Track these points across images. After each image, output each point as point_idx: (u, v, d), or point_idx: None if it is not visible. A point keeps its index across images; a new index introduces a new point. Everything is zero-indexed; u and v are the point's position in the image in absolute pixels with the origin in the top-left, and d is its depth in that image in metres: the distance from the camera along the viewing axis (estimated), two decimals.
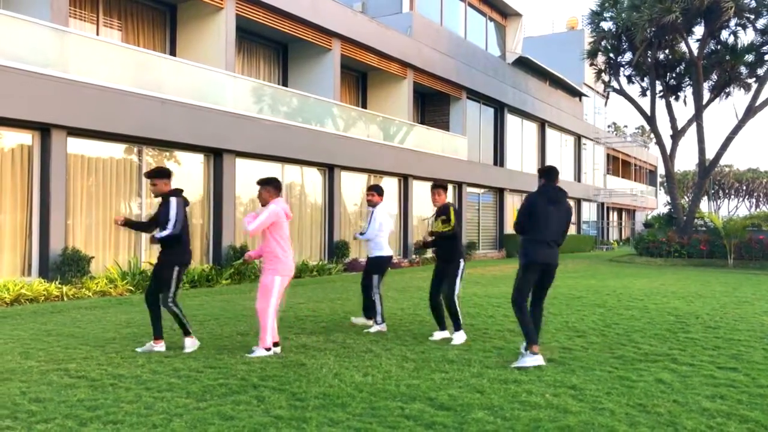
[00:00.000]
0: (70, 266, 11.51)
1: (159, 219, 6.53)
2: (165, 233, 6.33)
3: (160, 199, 6.73)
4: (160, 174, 6.69)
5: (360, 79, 23.19)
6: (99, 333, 7.51)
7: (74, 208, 12.32)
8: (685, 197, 63.91)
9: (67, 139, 11.91)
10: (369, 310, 8.02)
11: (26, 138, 11.58)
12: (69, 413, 4.31)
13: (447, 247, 7.19)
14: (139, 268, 12.72)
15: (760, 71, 24.68)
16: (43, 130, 11.62)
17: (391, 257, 8.21)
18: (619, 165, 48.08)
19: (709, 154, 25.12)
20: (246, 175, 15.99)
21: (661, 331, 7.79)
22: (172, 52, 16.10)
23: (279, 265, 6.32)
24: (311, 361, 5.92)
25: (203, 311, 9.40)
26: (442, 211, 7.21)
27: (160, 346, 6.43)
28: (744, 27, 23.70)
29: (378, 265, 8.03)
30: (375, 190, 8.38)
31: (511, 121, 29.94)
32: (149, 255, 13.64)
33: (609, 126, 60.34)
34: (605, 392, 4.90)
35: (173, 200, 6.52)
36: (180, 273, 6.55)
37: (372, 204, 8.33)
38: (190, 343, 6.50)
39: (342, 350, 6.50)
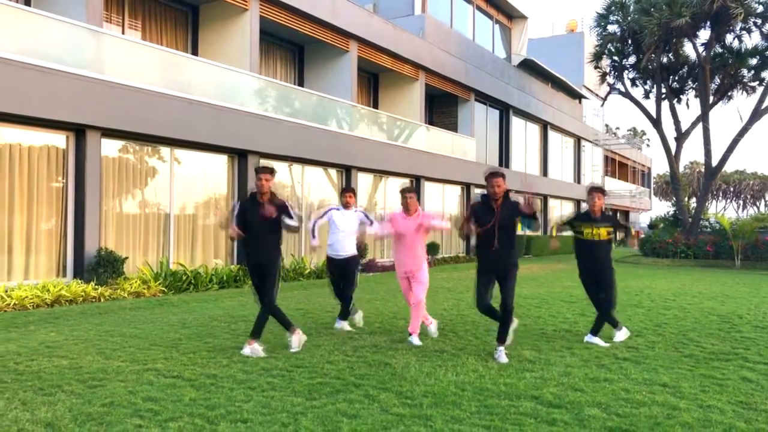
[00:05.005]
0: (105, 267, 11.51)
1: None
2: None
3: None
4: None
5: (371, 81, 23.29)
6: (161, 333, 7.54)
7: (106, 208, 12.30)
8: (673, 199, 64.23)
9: (101, 140, 11.91)
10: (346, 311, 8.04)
11: (61, 139, 11.57)
12: (192, 412, 4.38)
13: (609, 258, 7.20)
14: (169, 269, 12.71)
15: (765, 75, 25.08)
16: (78, 131, 11.62)
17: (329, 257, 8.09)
18: (615, 166, 48.55)
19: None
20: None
21: (714, 331, 7.97)
22: (194, 53, 16.11)
23: None
24: (394, 361, 6.01)
25: (250, 311, 9.44)
26: (611, 219, 7.23)
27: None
28: (749, 31, 24.08)
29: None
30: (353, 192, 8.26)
31: (516, 122, 30.18)
32: (178, 256, 13.67)
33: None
34: (700, 390, 5.05)
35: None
36: (251, 273, 6.59)
37: (350, 207, 8.04)
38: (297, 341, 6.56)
39: (415, 350, 6.60)
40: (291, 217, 6.44)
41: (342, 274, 7.97)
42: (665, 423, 4.19)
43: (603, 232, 7.05)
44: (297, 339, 6.55)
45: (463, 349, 6.61)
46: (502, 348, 6.21)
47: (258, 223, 6.35)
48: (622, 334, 7.26)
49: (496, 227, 6.16)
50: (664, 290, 13.18)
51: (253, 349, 6.30)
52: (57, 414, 4.28)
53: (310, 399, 4.73)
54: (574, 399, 4.75)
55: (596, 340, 7.12)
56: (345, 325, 7.93)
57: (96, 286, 11.02)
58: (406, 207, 7.24)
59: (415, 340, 6.98)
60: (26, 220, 11.08)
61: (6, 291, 9.86)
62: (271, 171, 6.41)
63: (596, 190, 7.14)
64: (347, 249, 7.91)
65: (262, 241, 6.42)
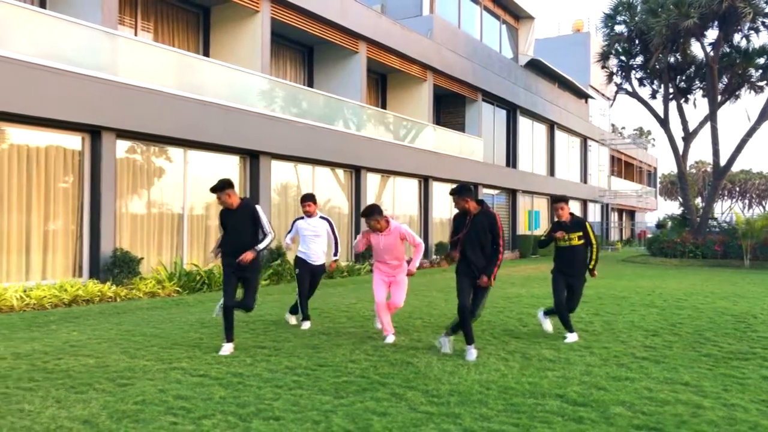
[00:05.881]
0: (121, 268, 11.61)
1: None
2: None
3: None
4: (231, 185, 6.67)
5: (379, 81, 23.37)
6: (181, 333, 7.63)
7: (121, 209, 12.40)
8: (679, 198, 64.22)
9: (116, 141, 12.01)
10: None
11: (77, 140, 11.67)
12: (223, 410, 4.45)
13: (584, 262, 7.47)
14: (183, 269, 12.80)
15: None
16: (94, 132, 11.72)
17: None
18: (621, 166, 48.53)
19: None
20: (278, 177, 16.17)
21: (730, 330, 8.02)
22: (206, 55, 16.20)
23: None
24: (415, 360, 6.09)
25: (266, 311, 9.53)
26: (580, 226, 7.47)
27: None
28: (757, 31, 24.07)
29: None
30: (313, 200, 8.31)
31: (523, 122, 30.23)
32: (191, 256, 13.77)
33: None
34: (722, 389, 5.11)
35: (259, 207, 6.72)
36: (225, 269, 6.65)
37: (312, 215, 8.21)
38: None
39: (435, 349, 6.67)
40: (263, 233, 6.60)
41: (311, 278, 8.24)
42: (691, 421, 4.25)
43: (574, 238, 7.39)
44: (229, 348, 6.48)
45: (483, 349, 6.67)
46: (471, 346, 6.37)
47: (234, 226, 6.55)
48: (573, 337, 7.30)
49: (465, 238, 6.39)
50: (675, 290, 13.22)
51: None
52: (92, 411, 4.36)
53: (337, 397, 4.80)
54: (599, 397, 4.81)
55: (544, 319, 7.79)
56: (292, 318, 8.39)
57: (112, 286, 11.11)
58: (374, 229, 7.15)
59: (391, 338, 7.17)
60: (43, 221, 11.18)
61: (25, 291, 9.96)
62: (222, 188, 6.51)
63: (559, 201, 7.50)
64: (319, 256, 8.20)
65: (240, 243, 6.51)
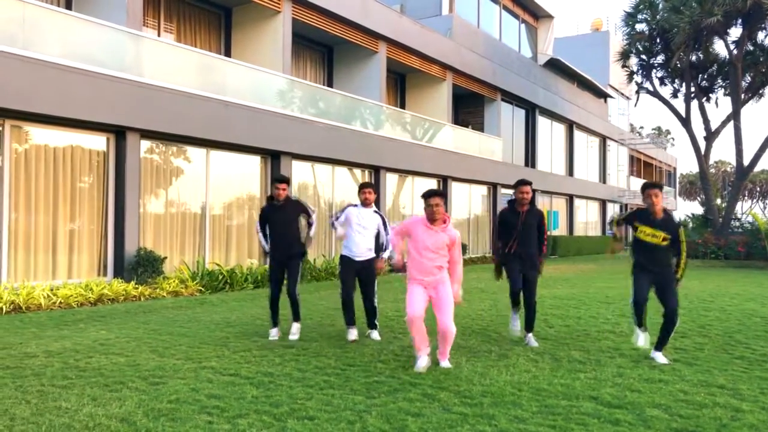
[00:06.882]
0: (145, 267, 11.70)
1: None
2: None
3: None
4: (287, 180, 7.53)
5: (398, 81, 23.36)
6: (207, 332, 7.66)
7: (144, 209, 12.50)
8: (698, 198, 63.80)
9: (140, 142, 12.11)
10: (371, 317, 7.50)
11: (101, 141, 11.78)
12: (257, 409, 4.46)
13: (669, 262, 6.35)
14: (206, 268, 12.88)
15: None
16: (119, 132, 11.82)
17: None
18: (640, 166, 48.07)
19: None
20: (298, 177, 16.21)
21: (761, 333, 7.90)
22: (227, 55, 16.29)
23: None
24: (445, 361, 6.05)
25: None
26: (673, 227, 6.28)
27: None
28: None
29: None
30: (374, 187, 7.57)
31: (542, 122, 30.07)
32: (213, 256, 13.84)
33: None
34: (759, 392, 5.02)
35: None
36: (274, 267, 7.48)
37: (369, 204, 7.45)
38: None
39: (463, 350, 6.63)
40: (310, 219, 7.55)
41: (360, 278, 7.37)
42: (731, 425, 4.19)
43: (660, 238, 6.21)
44: (297, 328, 7.42)
45: (511, 350, 6.63)
46: (530, 334, 7.11)
47: (279, 224, 7.34)
48: (642, 339, 6.46)
49: (521, 234, 6.99)
50: (700, 291, 13.05)
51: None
52: (128, 410, 4.39)
53: (369, 397, 4.79)
54: (633, 399, 4.76)
55: (659, 357, 6.21)
56: (375, 334, 7.38)
57: (136, 285, 11.20)
58: (431, 217, 5.79)
59: (446, 363, 5.86)
60: (68, 221, 11.30)
61: (52, 289, 10.07)
62: (287, 180, 7.46)
63: (653, 187, 6.24)
64: (366, 251, 7.31)
65: (284, 239, 7.31)
